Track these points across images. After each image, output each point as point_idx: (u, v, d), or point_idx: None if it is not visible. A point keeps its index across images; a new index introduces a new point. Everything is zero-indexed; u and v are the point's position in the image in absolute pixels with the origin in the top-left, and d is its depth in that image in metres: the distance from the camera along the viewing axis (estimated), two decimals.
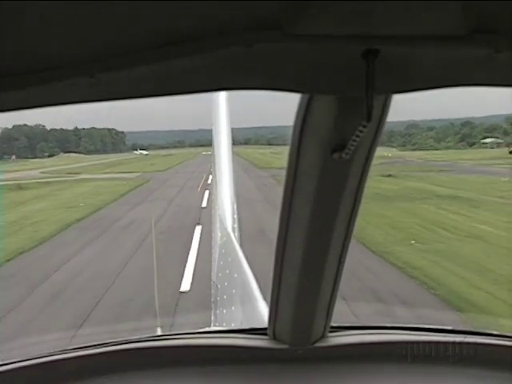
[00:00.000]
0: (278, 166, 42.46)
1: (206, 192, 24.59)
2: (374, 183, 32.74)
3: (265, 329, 2.73)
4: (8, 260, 16.85)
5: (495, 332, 2.82)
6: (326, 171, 1.86)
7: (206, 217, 18.80)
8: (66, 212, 27.30)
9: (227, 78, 1.38)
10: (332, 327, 2.71)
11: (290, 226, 2.19)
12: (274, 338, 2.71)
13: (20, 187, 40.80)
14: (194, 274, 13.98)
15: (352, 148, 1.66)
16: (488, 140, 78.28)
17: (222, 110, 9.05)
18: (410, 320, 11.66)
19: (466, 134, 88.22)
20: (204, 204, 23.79)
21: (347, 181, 1.92)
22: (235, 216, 8.21)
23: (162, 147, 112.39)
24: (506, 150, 70.30)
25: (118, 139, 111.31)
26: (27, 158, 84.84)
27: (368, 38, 1.21)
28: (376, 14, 1.13)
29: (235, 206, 8.44)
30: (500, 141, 76.09)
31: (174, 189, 33.68)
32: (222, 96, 9.13)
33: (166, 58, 1.19)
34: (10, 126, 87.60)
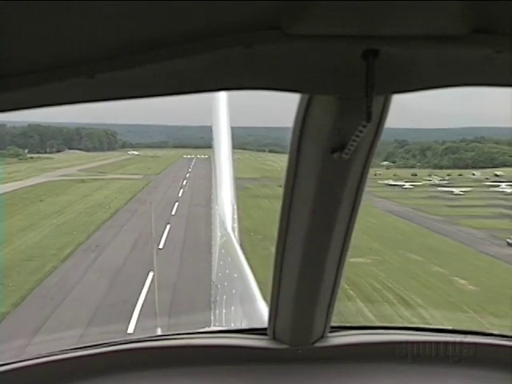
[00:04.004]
0: (243, 176, 60.16)
1: (181, 190, 59.14)
2: (269, 190, 54.83)
3: (265, 329, 2.71)
4: (124, 204, 50.25)
5: (495, 332, 2.81)
6: (325, 171, 1.85)
7: (181, 195, 55.71)
8: (122, 195, 55.11)
9: (227, 78, 1.39)
10: (332, 327, 2.68)
11: (289, 226, 2.17)
12: (274, 338, 2.68)
13: (83, 181, 66.43)
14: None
15: (352, 148, 1.64)
16: (385, 163, 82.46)
17: (222, 112, 9.22)
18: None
19: (390, 153, 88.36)
20: (180, 194, 56.35)
21: (347, 181, 1.90)
22: (235, 216, 8.49)
23: (148, 146, 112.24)
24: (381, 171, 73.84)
25: (113, 139, 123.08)
26: (38, 152, 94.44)
27: (368, 38, 1.21)
28: (376, 14, 1.13)
29: (235, 207, 8.72)
30: (391, 164, 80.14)
31: (166, 186, 64.59)
32: (222, 97, 9.25)
33: (166, 58, 1.19)
34: (25, 125, 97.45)
